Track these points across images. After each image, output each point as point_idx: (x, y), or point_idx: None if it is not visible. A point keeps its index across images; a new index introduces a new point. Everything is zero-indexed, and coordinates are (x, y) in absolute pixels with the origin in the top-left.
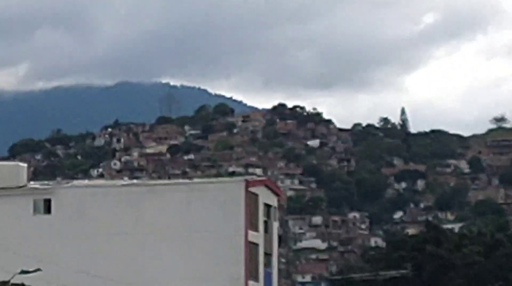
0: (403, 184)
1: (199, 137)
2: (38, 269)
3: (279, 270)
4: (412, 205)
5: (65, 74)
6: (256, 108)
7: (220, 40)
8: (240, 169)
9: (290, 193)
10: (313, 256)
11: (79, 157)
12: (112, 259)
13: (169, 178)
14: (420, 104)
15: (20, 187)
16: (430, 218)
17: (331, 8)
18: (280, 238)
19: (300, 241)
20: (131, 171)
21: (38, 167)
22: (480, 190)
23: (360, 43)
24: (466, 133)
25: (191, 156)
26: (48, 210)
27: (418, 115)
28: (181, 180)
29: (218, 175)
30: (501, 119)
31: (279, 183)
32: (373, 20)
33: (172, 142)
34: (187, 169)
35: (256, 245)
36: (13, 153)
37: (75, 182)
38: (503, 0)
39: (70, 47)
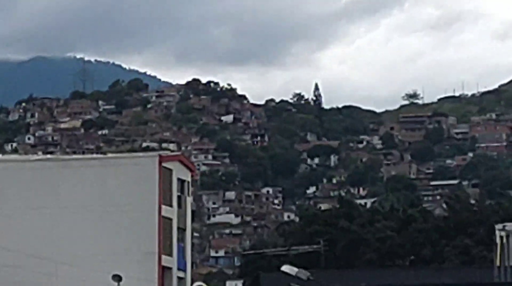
0: (316, 160)
1: (113, 112)
2: None
3: (193, 244)
4: (324, 181)
5: None
6: (170, 84)
7: (134, 16)
8: (154, 144)
9: (203, 168)
10: (227, 231)
11: None
12: (26, 234)
13: (83, 153)
14: (334, 80)
15: None
16: (342, 194)
17: None
18: (193, 213)
19: (214, 216)
20: (45, 146)
21: None
22: (393, 165)
23: (277, 19)
24: (379, 109)
25: (105, 131)
26: None
27: (332, 91)
28: (95, 155)
29: (132, 150)
30: (414, 95)
31: (192, 159)
32: None
33: (86, 117)
34: (101, 144)
35: (170, 220)
36: None
37: None
38: None
39: None
